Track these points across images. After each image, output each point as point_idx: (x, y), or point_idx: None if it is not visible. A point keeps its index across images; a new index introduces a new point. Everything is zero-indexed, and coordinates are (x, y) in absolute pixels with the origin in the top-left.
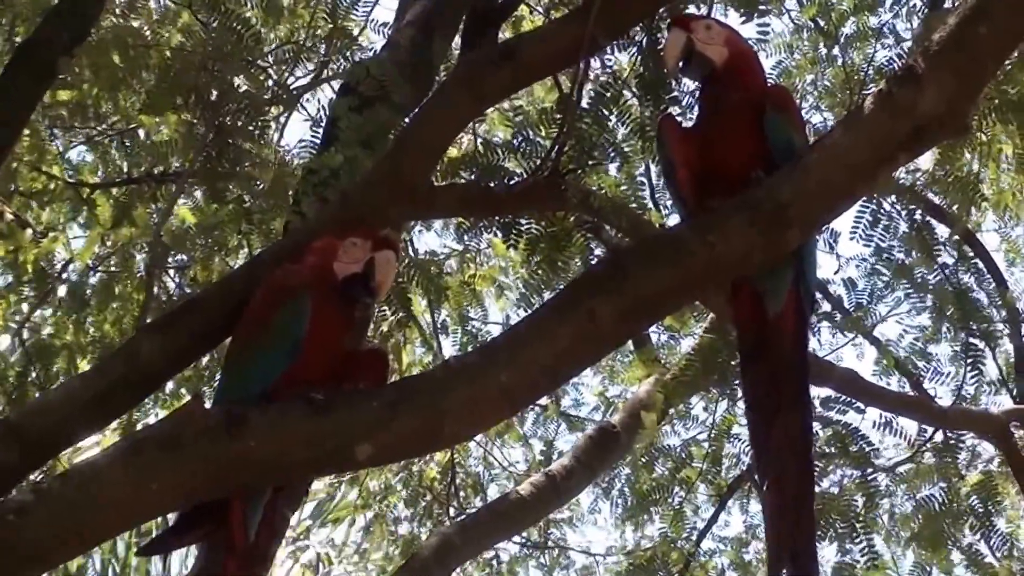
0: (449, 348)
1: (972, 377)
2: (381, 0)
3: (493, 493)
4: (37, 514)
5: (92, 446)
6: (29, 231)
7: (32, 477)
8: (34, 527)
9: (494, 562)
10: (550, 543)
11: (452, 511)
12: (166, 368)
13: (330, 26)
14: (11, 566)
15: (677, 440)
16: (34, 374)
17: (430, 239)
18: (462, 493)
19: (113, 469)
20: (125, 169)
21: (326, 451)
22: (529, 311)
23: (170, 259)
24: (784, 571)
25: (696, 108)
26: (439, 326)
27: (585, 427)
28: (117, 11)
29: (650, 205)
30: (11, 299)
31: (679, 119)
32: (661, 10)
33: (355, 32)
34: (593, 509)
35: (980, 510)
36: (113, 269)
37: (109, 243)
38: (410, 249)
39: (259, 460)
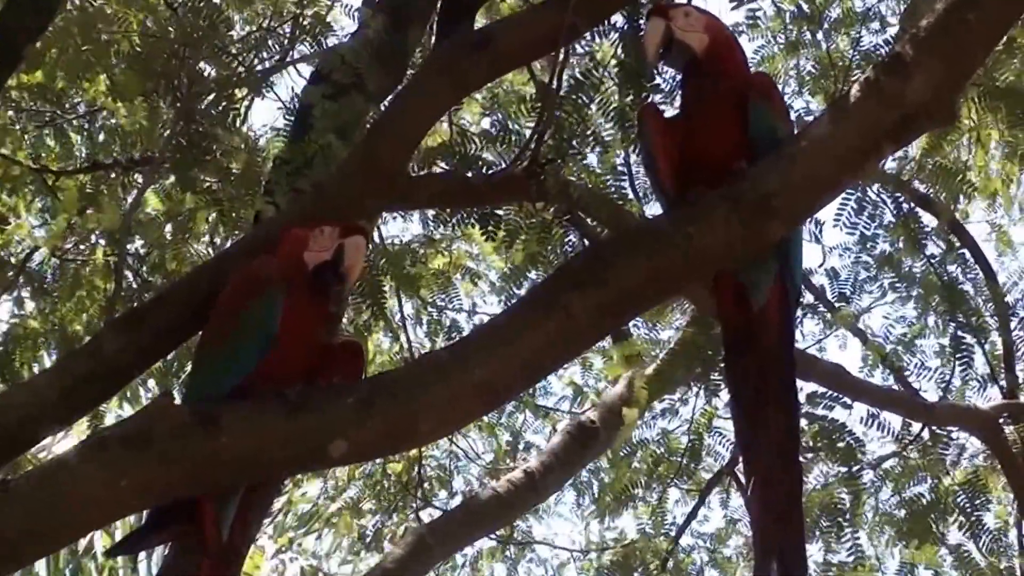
0: (416, 338)
1: (961, 371)
2: None
3: (459, 484)
4: (5, 511)
5: (58, 443)
6: None
7: None
8: (2, 525)
9: (459, 557)
10: (516, 537)
11: (417, 502)
12: (133, 364)
13: (297, 11)
14: None
15: (653, 433)
16: None
17: (394, 227)
18: (426, 484)
19: (82, 466)
20: (89, 155)
21: (300, 449)
22: (508, 302)
23: (136, 247)
24: (772, 570)
25: (678, 96)
26: (406, 316)
27: (554, 418)
28: None
29: (631, 195)
30: None
31: (661, 108)
32: None
33: (325, 15)
34: (559, 502)
35: (967, 507)
36: (77, 259)
37: (75, 231)
38: (377, 237)
39: (232, 458)
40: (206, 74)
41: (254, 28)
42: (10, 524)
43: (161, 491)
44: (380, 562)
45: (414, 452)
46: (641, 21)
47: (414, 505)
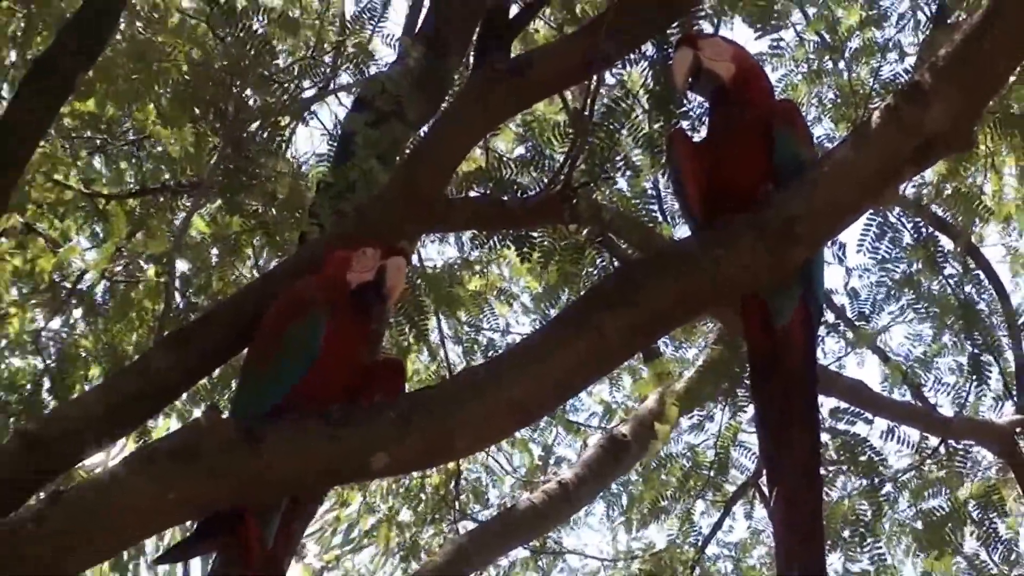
0: (453, 357)
1: (977, 388)
2: (390, 15)
3: (494, 497)
4: (55, 522)
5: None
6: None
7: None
8: (52, 535)
9: (492, 568)
10: (548, 547)
11: (455, 515)
12: (180, 382)
13: (339, 40)
14: (29, 572)
15: (680, 447)
16: (48, 383)
17: (432, 249)
18: (462, 496)
19: (130, 478)
20: (138, 180)
21: (342, 464)
22: (541, 322)
23: (183, 270)
24: None
25: (706, 123)
26: (445, 335)
27: (585, 433)
28: (136, 23)
29: (660, 219)
30: (26, 309)
31: (689, 134)
32: (673, 25)
33: (367, 44)
34: (589, 513)
35: (983, 518)
36: (128, 279)
37: (125, 254)
38: (416, 260)
39: (277, 474)
40: (252, 102)
41: (298, 57)
42: (58, 534)
43: (206, 504)
44: (419, 570)
45: (452, 465)
46: (670, 50)
47: (451, 517)
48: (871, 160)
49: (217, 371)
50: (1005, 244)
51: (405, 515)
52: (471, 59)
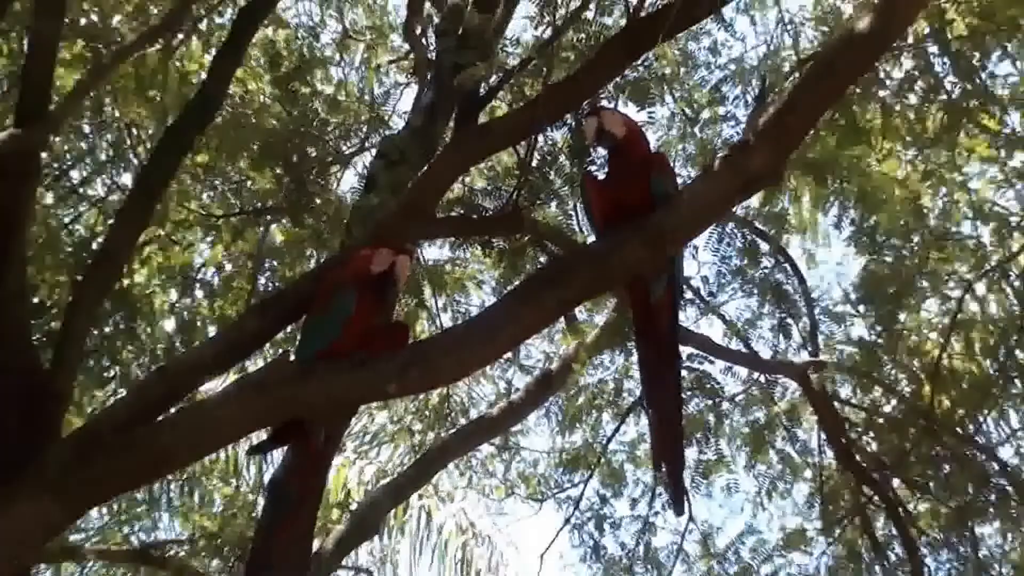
0: (444, 320)
1: (784, 340)
2: (402, 96)
3: (473, 413)
4: (181, 426)
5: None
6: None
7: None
8: (179, 433)
9: (473, 460)
10: (510, 445)
11: (447, 423)
12: (263, 337)
13: (371, 115)
14: (162, 461)
15: (592, 380)
16: (180, 340)
17: (430, 251)
18: (452, 413)
19: (227, 400)
20: (237, 205)
21: (366, 390)
22: (497, 298)
23: (267, 263)
24: (663, 467)
25: (606, 167)
26: (439, 307)
27: (532, 372)
28: (234, 101)
29: (576, 230)
30: (165, 289)
31: (595, 174)
32: (584, 103)
33: (387, 117)
34: (538, 424)
35: (788, 425)
36: (232, 270)
37: (229, 253)
38: (421, 257)
39: (323, 396)
40: (311, 154)
41: (340, 124)
42: (181, 436)
43: (277, 416)
44: (421, 455)
45: (444, 391)
46: (582, 118)
47: (447, 424)
48: (714, 191)
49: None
50: (802, 247)
51: (416, 426)
52: (453, 124)
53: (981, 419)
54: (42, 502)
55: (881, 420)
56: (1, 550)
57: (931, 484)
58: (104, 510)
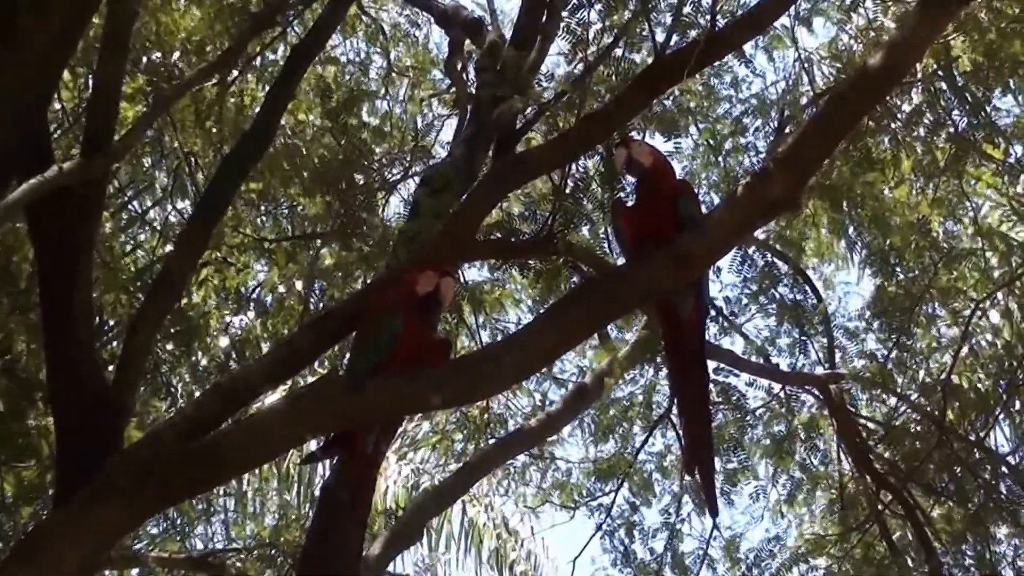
0: (483, 339)
1: (803, 356)
2: (444, 127)
3: (511, 425)
4: (238, 435)
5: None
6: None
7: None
8: (236, 443)
9: (510, 468)
10: (545, 455)
11: (486, 434)
12: (315, 352)
13: (414, 145)
14: (221, 468)
15: (623, 393)
16: (234, 357)
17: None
18: (491, 424)
19: (281, 412)
20: (290, 229)
21: (412, 402)
22: (534, 316)
23: (317, 285)
24: (696, 473)
25: (635, 194)
26: (478, 325)
27: (566, 385)
28: (286, 133)
29: (608, 252)
30: (221, 310)
31: (625, 201)
32: (614, 134)
33: (429, 147)
34: (572, 435)
35: (808, 436)
36: (283, 291)
37: (283, 275)
38: (462, 278)
39: (372, 408)
40: (359, 182)
41: (387, 152)
42: (238, 444)
43: (329, 428)
44: (463, 464)
45: (483, 404)
46: (612, 149)
47: (486, 435)
48: (737, 217)
49: (336, 346)
50: (820, 270)
51: (457, 436)
52: (492, 154)
53: (989, 428)
54: (111, 505)
55: (896, 425)
56: (83, 547)
57: (949, 486)
58: (162, 518)
